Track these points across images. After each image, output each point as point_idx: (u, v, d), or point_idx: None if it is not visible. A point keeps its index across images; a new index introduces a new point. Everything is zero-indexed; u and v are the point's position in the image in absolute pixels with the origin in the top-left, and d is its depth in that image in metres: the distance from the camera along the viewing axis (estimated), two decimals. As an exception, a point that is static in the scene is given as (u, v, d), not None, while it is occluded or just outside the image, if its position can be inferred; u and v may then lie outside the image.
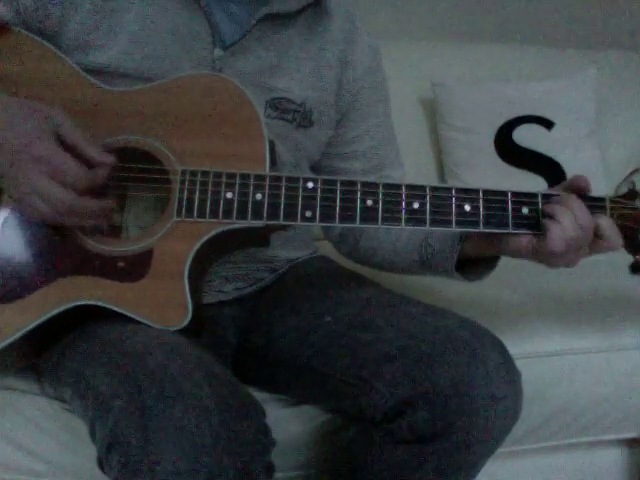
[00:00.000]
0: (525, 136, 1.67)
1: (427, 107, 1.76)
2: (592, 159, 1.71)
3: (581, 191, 0.84)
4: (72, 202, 0.79)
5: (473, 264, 0.93)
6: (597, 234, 0.83)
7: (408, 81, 1.70)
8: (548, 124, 1.68)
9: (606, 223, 0.82)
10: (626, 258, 0.89)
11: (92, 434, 0.75)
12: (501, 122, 1.67)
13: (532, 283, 1.27)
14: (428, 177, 1.74)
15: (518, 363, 0.86)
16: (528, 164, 1.66)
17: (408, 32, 1.90)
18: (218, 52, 0.93)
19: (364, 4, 1.08)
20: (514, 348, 0.88)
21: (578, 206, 0.82)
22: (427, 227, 0.83)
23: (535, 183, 1.63)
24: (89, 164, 0.80)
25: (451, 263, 0.92)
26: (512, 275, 0.98)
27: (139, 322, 0.81)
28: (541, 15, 2.07)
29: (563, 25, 2.08)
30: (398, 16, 1.92)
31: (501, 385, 0.82)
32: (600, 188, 1.68)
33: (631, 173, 0.88)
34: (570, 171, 1.66)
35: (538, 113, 1.68)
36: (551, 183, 1.64)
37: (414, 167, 1.68)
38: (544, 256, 0.83)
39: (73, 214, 0.80)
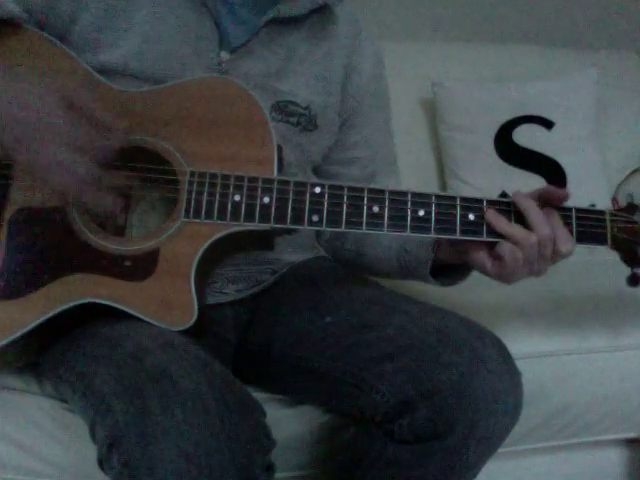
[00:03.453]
0: (525, 136, 1.67)
1: (427, 107, 1.76)
2: (592, 159, 1.71)
3: (556, 202, 0.85)
4: (95, 171, 0.76)
5: (450, 269, 0.94)
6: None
7: (408, 81, 1.70)
8: (548, 124, 1.68)
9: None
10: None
11: (92, 434, 0.76)
12: (501, 122, 1.67)
13: (532, 283, 1.26)
14: (428, 177, 1.74)
15: (518, 363, 0.86)
16: (528, 164, 1.66)
17: (408, 32, 1.91)
18: (225, 55, 0.93)
19: (364, 4, 1.08)
20: (514, 348, 0.88)
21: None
22: (432, 235, 0.84)
23: (535, 183, 1.63)
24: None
25: (426, 269, 0.93)
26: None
27: (141, 321, 0.81)
28: (541, 15, 2.07)
29: (563, 25, 2.08)
30: (398, 16, 1.92)
31: (501, 385, 0.82)
32: (600, 188, 1.69)
33: (631, 173, 0.89)
34: (570, 171, 1.66)
35: (538, 113, 1.68)
36: (551, 183, 1.64)
37: (414, 167, 1.68)
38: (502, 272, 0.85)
39: (95, 186, 0.77)
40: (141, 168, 0.86)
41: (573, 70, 1.77)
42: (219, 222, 0.83)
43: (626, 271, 0.89)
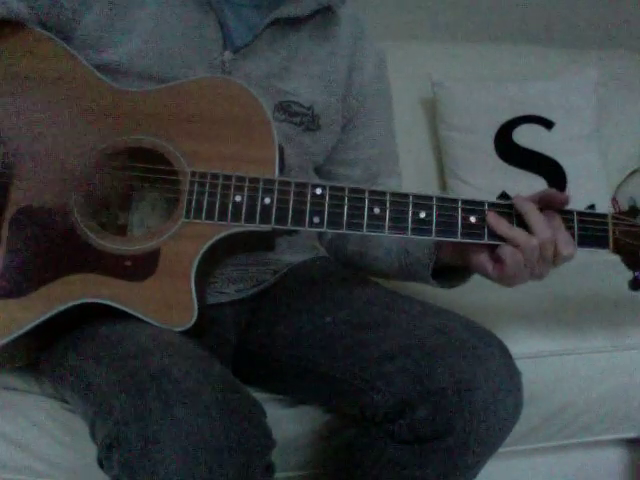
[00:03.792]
0: (525, 136, 1.67)
1: (427, 107, 1.76)
2: (592, 159, 1.71)
3: (557, 206, 0.85)
4: None
5: (451, 271, 0.94)
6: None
7: (408, 81, 1.70)
8: (548, 124, 1.68)
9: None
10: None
11: (93, 434, 0.76)
12: (501, 122, 1.67)
13: (533, 283, 1.27)
14: (428, 177, 1.74)
15: (518, 363, 0.86)
16: (528, 164, 1.66)
17: (408, 32, 1.91)
18: (228, 55, 0.93)
19: (366, 4, 1.08)
20: (514, 348, 0.88)
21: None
22: (433, 237, 0.84)
23: (535, 183, 1.63)
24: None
25: (427, 271, 0.93)
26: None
27: (141, 321, 0.81)
28: (541, 15, 2.07)
29: (563, 25, 2.08)
30: (398, 16, 1.92)
31: (502, 385, 0.82)
32: (600, 188, 1.69)
33: (631, 174, 0.89)
34: (570, 171, 1.66)
35: (538, 113, 1.68)
36: (551, 183, 1.64)
37: (414, 167, 1.68)
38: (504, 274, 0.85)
39: None
40: (142, 168, 0.86)
41: (573, 70, 1.77)
42: (220, 223, 0.83)
43: (627, 271, 0.89)
